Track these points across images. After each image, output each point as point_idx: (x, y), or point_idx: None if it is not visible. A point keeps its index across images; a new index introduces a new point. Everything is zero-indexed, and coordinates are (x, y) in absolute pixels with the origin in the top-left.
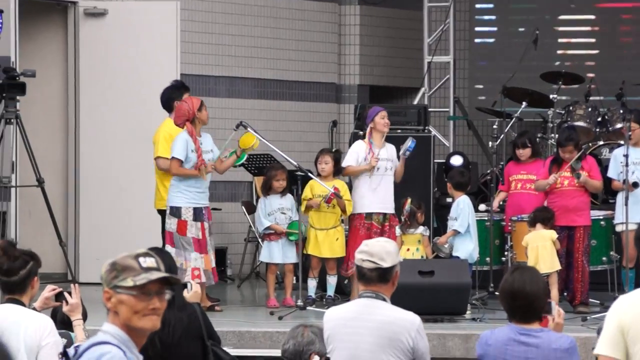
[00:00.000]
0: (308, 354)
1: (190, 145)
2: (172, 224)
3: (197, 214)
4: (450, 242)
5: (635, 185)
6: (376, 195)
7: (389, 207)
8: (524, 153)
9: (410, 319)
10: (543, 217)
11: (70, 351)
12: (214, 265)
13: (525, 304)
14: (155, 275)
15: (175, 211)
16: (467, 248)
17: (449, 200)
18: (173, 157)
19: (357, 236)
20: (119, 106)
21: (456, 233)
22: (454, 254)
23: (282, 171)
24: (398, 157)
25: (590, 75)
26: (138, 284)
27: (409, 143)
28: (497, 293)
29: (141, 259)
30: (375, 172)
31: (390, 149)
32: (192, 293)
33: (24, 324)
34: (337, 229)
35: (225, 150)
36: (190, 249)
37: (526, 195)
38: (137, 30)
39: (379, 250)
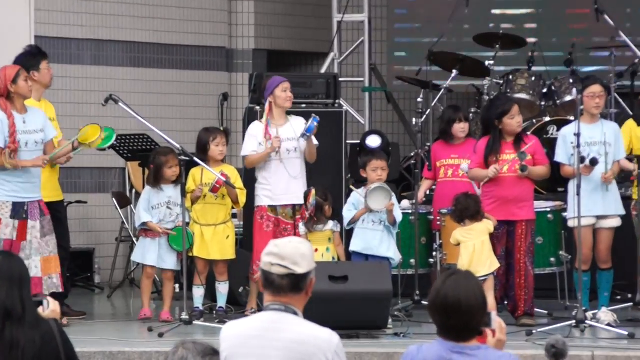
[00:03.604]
0: None
1: (5, 126)
2: None
3: (17, 210)
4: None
5: (593, 162)
6: (279, 184)
7: (298, 197)
8: (465, 127)
9: (327, 337)
10: (471, 211)
11: None
12: (39, 274)
13: (462, 322)
14: None
15: None
16: (393, 247)
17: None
18: None
19: (262, 233)
20: None
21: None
22: (386, 254)
23: (174, 156)
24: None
25: (532, 40)
26: None
27: (309, 121)
28: (424, 303)
29: None
30: (274, 156)
31: (296, 124)
32: (49, 312)
33: None
34: (227, 224)
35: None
36: None
37: (459, 184)
38: None
39: (291, 253)
